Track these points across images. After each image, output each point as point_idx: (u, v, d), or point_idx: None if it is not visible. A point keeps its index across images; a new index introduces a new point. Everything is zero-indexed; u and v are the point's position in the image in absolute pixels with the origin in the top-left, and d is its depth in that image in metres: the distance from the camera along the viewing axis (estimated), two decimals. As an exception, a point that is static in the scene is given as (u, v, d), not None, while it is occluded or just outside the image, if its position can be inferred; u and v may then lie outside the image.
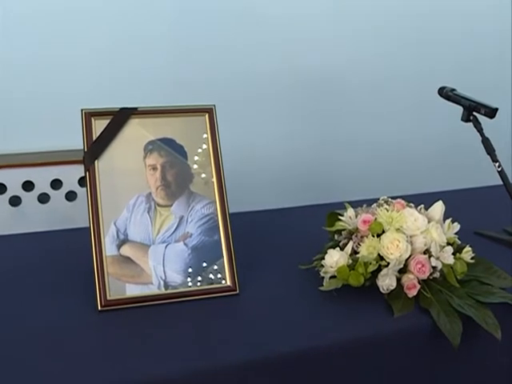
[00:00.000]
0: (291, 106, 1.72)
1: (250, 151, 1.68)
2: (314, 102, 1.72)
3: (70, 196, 1.59)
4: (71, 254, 1.02)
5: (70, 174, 1.56)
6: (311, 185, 1.71)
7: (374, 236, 0.88)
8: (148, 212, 0.89)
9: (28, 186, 1.57)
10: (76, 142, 1.56)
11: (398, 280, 0.86)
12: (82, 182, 1.58)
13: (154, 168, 0.91)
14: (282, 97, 1.69)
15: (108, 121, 0.90)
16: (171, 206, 0.90)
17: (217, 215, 0.92)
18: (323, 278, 0.89)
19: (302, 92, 1.71)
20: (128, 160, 0.90)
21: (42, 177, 1.56)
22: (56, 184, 1.59)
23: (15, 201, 1.57)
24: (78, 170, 1.53)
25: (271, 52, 1.66)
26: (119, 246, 0.87)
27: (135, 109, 0.92)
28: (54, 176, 1.57)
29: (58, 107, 1.60)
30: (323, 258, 0.89)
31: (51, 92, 1.59)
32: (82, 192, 1.56)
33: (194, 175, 0.93)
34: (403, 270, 0.87)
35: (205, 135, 0.94)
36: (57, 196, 1.57)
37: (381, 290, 0.86)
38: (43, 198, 1.59)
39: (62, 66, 1.57)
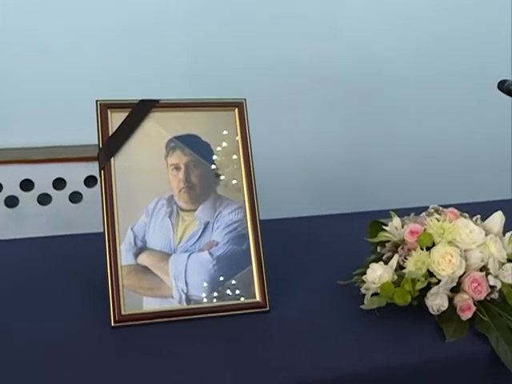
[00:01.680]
0: (325, 102, 1.74)
1: (280, 152, 1.71)
2: (352, 99, 1.74)
3: (75, 197, 1.64)
4: (76, 263, 1.05)
5: (75, 173, 1.60)
6: (350, 190, 1.72)
7: (422, 249, 0.89)
8: (169, 217, 0.91)
9: (27, 185, 1.61)
10: (82, 136, 1.62)
11: (450, 300, 0.88)
12: (88, 181, 1.63)
13: (177, 168, 0.93)
14: (314, 93, 1.72)
15: (126, 114, 0.92)
16: (195, 210, 0.92)
17: (246, 222, 0.93)
18: (364, 295, 0.90)
19: (338, 88, 1.73)
20: (147, 158, 0.92)
21: (42, 175, 1.61)
22: (59, 183, 1.63)
23: (12, 201, 1.62)
24: (85, 168, 1.58)
25: (302, 44, 1.69)
26: (136, 255, 0.89)
27: (157, 101, 0.94)
28: (57, 174, 1.62)
29: (64, 98, 1.65)
30: (364, 273, 0.91)
31: (57, 81, 1.64)
32: (88, 193, 1.61)
33: (222, 177, 0.95)
34: (456, 289, 0.88)
35: (234, 132, 0.96)
36: (59, 197, 1.62)
37: (430, 310, 0.88)
38: (44, 199, 1.63)
39: (72, 56, 1.62)
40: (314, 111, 1.74)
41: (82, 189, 1.61)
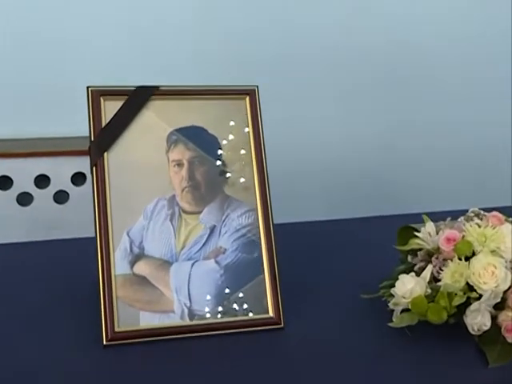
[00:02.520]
0: (349, 90, 1.74)
1: (294, 147, 1.71)
2: (380, 87, 1.74)
3: (60, 197, 1.63)
4: (62, 273, 1.05)
5: (61, 169, 1.60)
6: (376, 190, 1.72)
7: (461, 259, 0.88)
8: (171, 220, 0.91)
9: (4, 182, 1.61)
10: (70, 127, 1.63)
11: (494, 318, 0.86)
12: (75, 179, 1.62)
13: (180, 164, 0.93)
14: (335, 79, 1.72)
15: (121, 102, 0.92)
16: (200, 212, 0.92)
17: (258, 226, 0.93)
18: (393, 311, 0.89)
19: (365, 75, 1.72)
20: (146, 153, 0.92)
21: (22, 171, 1.60)
22: (42, 181, 1.63)
23: (-12, 201, 1.61)
24: (71, 164, 1.58)
25: (326, 25, 1.68)
26: (132, 263, 0.89)
27: (156, 88, 0.94)
28: (40, 171, 1.62)
29: (48, 84, 1.65)
30: (393, 286, 0.89)
31: (39, 63, 1.64)
32: (75, 192, 1.61)
33: (230, 175, 0.95)
34: (500, 306, 0.87)
35: (242, 123, 0.96)
36: (42, 196, 1.62)
37: (470, 330, 0.86)
38: (24, 199, 1.63)
39: (56, 36, 1.62)
40: (333, 101, 1.74)
41: (69, 187, 1.61)
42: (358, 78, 1.76)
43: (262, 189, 0.95)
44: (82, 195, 1.58)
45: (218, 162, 0.95)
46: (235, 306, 0.90)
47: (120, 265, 0.88)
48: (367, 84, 1.77)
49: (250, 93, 0.96)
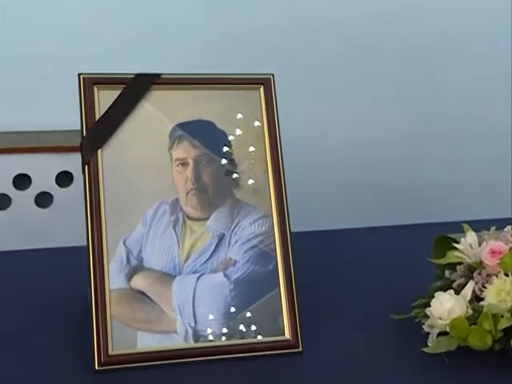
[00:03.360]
0: (373, 81, 1.74)
1: (313, 144, 1.71)
2: (411, 75, 1.73)
3: (43, 200, 1.63)
4: (46, 287, 1.05)
5: (44, 168, 1.60)
6: (407, 195, 1.71)
7: (507, 275, 0.87)
8: (173, 227, 0.91)
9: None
10: (55, 120, 1.63)
11: (546, 344, 0.85)
12: (61, 179, 1.62)
13: (184, 163, 0.93)
14: (360, 66, 1.73)
15: (118, 92, 0.92)
16: (207, 219, 0.92)
17: (273, 235, 0.93)
18: (428, 334, 0.88)
19: (393, 61, 1.72)
20: (146, 151, 0.92)
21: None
22: (21, 182, 1.63)
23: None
24: (56, 162, 1.58)
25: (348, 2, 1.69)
26: (130, 276, 0.89)
27: (158, 76, 0.94)
28: (19, 170, 1.61)
29: (31, 70, 1.64)
30: (428, 305, 0.89)
31: (21, 46, 1.64)
32: (60, 195, 1.60)
33: (242, 176, 0.95)
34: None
35: (250, 116, 0.96)
36: (22, 199, 1.61)
37: (518, 357, 0.86)
38: (1, 202, 1.62)
39: (43, 13, 1.62)
40: (357, 94, 1.74)
41: (53, 189, 1.61)
42: (379, 68, 1.76)
43: (277, 192, 0.95)
44: (68, 198, 1.58)
45: (228, 162, 0.95)
46: (246, 326, 0.90)
47: (115, 278, 0.88)
48: (393, 74, 1.78)
49: (265, 82, 0.96)
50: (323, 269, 1.12)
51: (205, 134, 0.94)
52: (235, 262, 0.92)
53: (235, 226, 0.93)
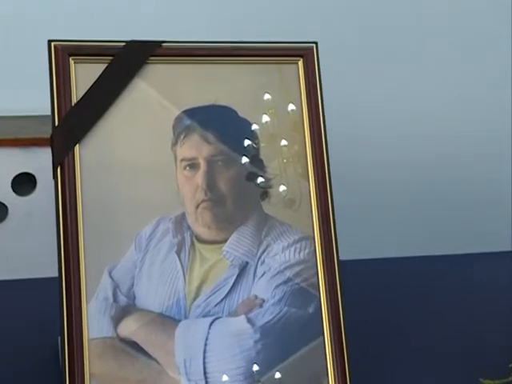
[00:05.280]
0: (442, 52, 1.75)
1: (361, 139, 1.71)
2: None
3: (-6, 212, 1.63)
4: (2, 334, 1.04)
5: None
6: (480, 211, 1.71)
7: None
8: (178, 253, 0.91)
9: None
10: (10, 103, 1.63)
11: None
12: (18, 184, 1.62)
13: (194, 165, 0.93)
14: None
15: (103, 67, 0.92)
16: (224, 242, 0.92)
17: (315, 265, 0.93)
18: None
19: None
20: (140, 148, 0.92)
21: None
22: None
23: None
24: (13, 161, 1.58)
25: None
26: (117, 321, 0.88)
27: (158, 44, 0.94)
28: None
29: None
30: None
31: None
32: (19, 205, 1.60)
33: (273, 183, 0.95)
34: None
35: (295, 101, 0.97)
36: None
37: None
38: None
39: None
40: (425, 73, 1.76)
41: (8, 197, 1.60)
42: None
43: (322, 204, 0.95)
44: (29, 210, 1.57)
45: (251, 161, 0.95)
46: (279, 388, 0.89)
47: (97, 323, 0.87)
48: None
49: (306, 53, 0.97)
50: (381, 311, 1.13)
51: (222, 125, 0.94)
52: (262, 301, 0.91)
53: (263, 252, 0.93)
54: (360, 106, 1.76)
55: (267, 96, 0.96)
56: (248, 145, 0.95)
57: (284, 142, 0.96)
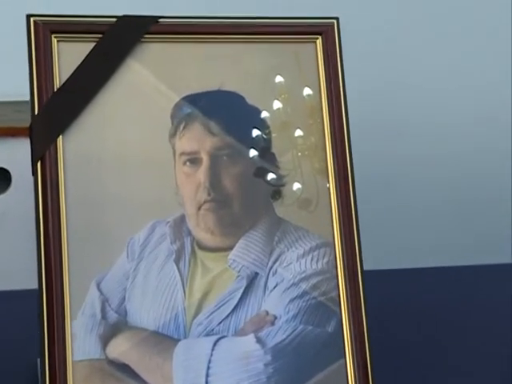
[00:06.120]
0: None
1: (391, 130, 1.71)
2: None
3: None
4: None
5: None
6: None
7: None
8: (177, 261, 0.92)
9: None
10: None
11: None
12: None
13: (195, 160, 0.93)
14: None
15: (90, 46, 0.93)
16: (230, 249, 0.93)
17: (336, 276, 0.93)
18: None
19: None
20: (133, 140, 0.93)
21: None
22: None
23: None
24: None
25: None
26: (106, 340, 0.88)
27: (154, 20, 0.95)
28: None
29: None
30: None
31: None
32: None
33: (286, 181, 0.95)
34: None
35: (312, 85, 0.98)
36: None
37: None
38: None
39: None
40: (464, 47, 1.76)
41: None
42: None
43: (343, 206, 0.95)
44: (3, 211, 1.57)
45: (266, 158, 0.95)
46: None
47: (83, 343, 0.87)
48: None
49: (326, 30, 0.98)
50: (412, 330, 1.14)
51: (228, 113, 0.95)
52: (274, 318, 0.91)
53: (275, 262, 0.93)
54: (388, 91, 1.75)
55: (279, 79, 0.96)
56: (257, 135, 0.94)
57: (299, 133, 0.96)
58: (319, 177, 0.95)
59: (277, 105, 0.96)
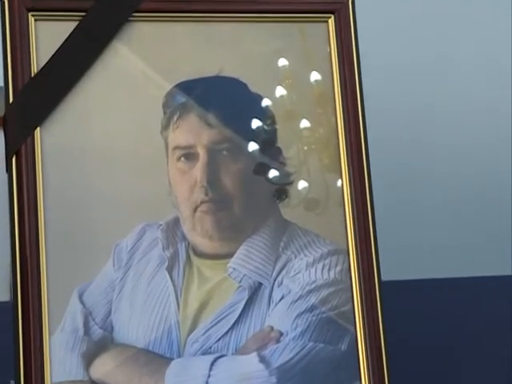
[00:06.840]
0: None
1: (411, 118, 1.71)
2: None
3: None
4: None
5: None
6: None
7: None
8: (169, 270, 0.92)
9: None
10: None
11: None
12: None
13: (190, 155, 0.94)
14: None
15: (72, 26, 0.93)
16: (229, 256, 0.93)
17: (350, 287, 0.94)
18: None
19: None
20: (121, 132, 0.94)
21: None
22: None
23: None
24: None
25: None
26: (90, 359, 0.89)
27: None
28: None
29: None
30: None
31: None
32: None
33: (293, 179, 0.95)
34: None
35: (322, 70, 0.98)
36: None
37: None
38: None
39: None
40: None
41: None
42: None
43: (358, 208, 0.95)
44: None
45: (271, 153, 0.94)
46: None
47: (63, 363, 0.88)
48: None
49: (339, 8, 0.99)
50: (411, 337, 1.13)
51: (227, 102, 0.96)
52: (280, 335, 0.92)
53: (281, 271, 0.93)
54: (408, 76, 1.75)
55: (283, 62, 0.95)
56: (258, 127, 0.93)
57: (305, 123, 0.96)
58: (329, 174, 0.94)
59: (280, 91, 0.94)
